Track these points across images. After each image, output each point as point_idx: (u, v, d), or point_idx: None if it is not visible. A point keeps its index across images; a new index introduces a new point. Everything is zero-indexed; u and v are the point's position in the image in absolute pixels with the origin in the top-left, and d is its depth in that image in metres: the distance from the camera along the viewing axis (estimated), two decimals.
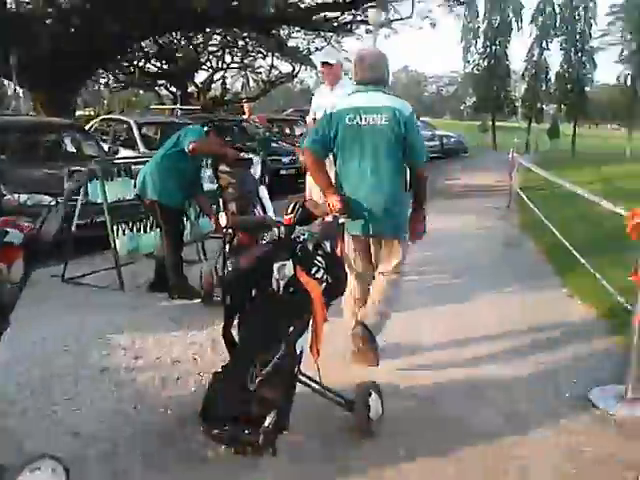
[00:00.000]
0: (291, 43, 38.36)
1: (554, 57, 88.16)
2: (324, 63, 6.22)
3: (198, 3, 26.24)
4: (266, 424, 2.84)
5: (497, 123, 37.61)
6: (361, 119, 4.08)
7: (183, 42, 39.44)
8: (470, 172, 19.48)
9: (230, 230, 5.38)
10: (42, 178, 7.71)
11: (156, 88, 43.16)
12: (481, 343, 4.96)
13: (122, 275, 6.21)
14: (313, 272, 3.20)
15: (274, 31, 32.05)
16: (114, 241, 6.27)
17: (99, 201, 6.28)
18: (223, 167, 5.67)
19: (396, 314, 4.53)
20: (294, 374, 3.07)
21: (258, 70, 50.83)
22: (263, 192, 6.02)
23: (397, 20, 29.95)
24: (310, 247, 3.34)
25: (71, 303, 5.79)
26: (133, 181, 6.28)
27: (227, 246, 5.47)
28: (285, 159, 13.51)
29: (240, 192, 5.62)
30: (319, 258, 3.28)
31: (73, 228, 6.30)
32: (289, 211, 3.42)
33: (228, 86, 51.41)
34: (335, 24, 30.88)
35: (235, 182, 5.62)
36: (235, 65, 48.85)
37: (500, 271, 7.35)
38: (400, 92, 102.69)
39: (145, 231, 6.65)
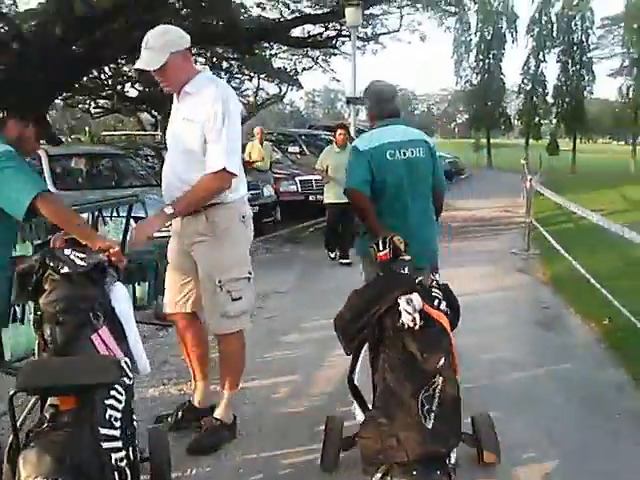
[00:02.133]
0: (278, 64, 36.57)
1: (551, 69, 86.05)
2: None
3: (167, 18, 23.99)
4: (452, 460, 2.79)
5: (492, 140, 34.86)
6: (402, 154, 3.83)
7: None
8: (471, 199, 16.39)
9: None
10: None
11: (138, 113, 40.68)
12: None
13: None
14: (436, 304, 2.97)
15: (257, 51, 29.94)
16: None
17: None
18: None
19: None
20: (460, 401, 2.84)
21: (245, 92, 48.98)
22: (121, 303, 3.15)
23: (384, 34, 27.55)
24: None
25: None
26: None
27: None
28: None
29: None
30: (435, 290, 3.06)
31: None
32: (381, 247, 3.21)
33: None
34: (318, 40, 28.51)
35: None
36: None
37: (539, 391, 4.31)
38: None
39: None
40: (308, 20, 25.78)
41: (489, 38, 30.91)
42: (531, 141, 33.12)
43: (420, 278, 3.11)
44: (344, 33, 29.20)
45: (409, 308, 2.83)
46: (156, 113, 39.23)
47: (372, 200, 3.77)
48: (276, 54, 36.14)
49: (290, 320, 5.99)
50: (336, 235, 8.95)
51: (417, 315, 2.83)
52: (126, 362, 2.76)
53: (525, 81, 32.18)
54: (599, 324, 5.63)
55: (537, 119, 32.92)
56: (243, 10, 26.93)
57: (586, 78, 30.93)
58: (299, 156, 15.96)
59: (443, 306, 3.02)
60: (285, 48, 34.51)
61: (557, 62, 31.38)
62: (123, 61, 34.95)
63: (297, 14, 25.83)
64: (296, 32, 27.02)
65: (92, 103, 40.64)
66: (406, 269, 3.14)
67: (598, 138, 70.12)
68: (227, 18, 24.36)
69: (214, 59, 37.55)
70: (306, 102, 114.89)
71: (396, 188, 3.82)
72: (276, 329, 5.71)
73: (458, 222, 12.60)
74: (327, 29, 27.97)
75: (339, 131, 8.94)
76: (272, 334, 5.56)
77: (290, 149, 16.30)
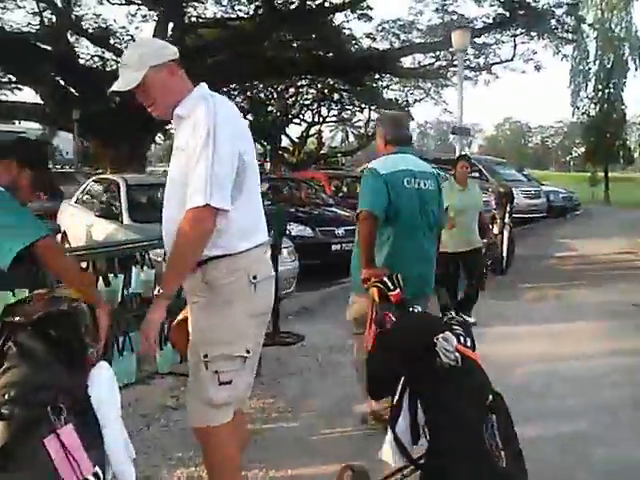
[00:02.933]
0: (389, 95, 36.22)
1: None
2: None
3: (275, 50, 24.06)
4: None
5: (610, 174, 32.49)
6: (416, 183, 3.85)
7: (275, 95, 37.71)
8: (585, 237, 14.87)
9: None
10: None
11: None
12: None
13: None
14: (463, 342, 2.78)
15: (367, 82, 29.59)
16: None
17: None
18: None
19: None
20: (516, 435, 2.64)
21: (357, 124, 48.85)
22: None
23: (497, 63, 26.39)
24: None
25: None
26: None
27: None
28: (339, 230, 9.89)
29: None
30: (456, 326, 2.87)
31: None
32: (390, 286, 3.10)
33: (324, 140, 49.22)
34: (428, 70, 27.74)
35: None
36: (333, 119, 47.08)
37: None
38: (503, 144, 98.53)
39: None
40: (417, 49, 25.10)
41: (609, 66, 28.86)
42: None
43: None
44: (455, 63, 28.33)
45: (449, 347, 2.66)
46: (265, 144, 39.79)
47: (385, 224, 3.80)
48: (388, 86, 35.99)
49: None
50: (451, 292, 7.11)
51: (456, 354, 2.65)
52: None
53: None
54: None
55: None
56: (353, 41, 26.77)
57: None
58: None
59: (469, 342, 2.87)
60: (397, 80, 34.14)
61: None
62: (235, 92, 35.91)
63: (406, 44, 25.22)
64: (407, 63, 26.47)
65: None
66: (419, 308, 3.13)
67: None
68: (337, 48, 24.16)
69: (325, 90, 37.86)
70: (418, 134, 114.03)
71: (410, 215, 3.83)
72: None
73: (571, 265, 11.29)
74: (438, 59, 27.25)
75: (461, 163, 7.11)
76: None
77: None
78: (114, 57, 21.77)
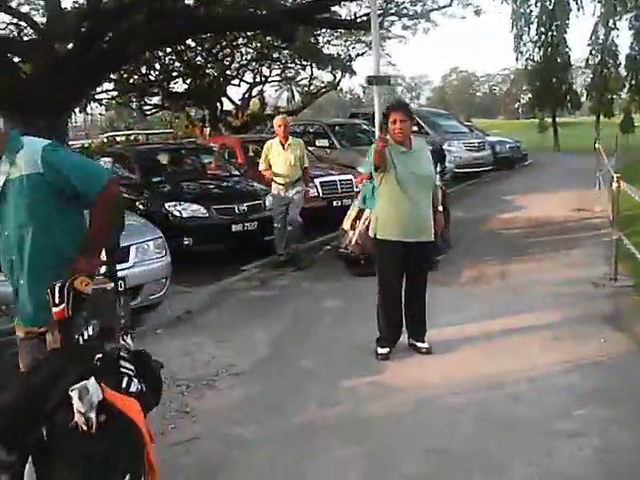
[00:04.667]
0: (331, 51, 34.35)
1: (623, 38, 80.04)
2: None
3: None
4: None
5: (558, 119, 31.05)
6: None
7: (210, 58, 35.40)
8: (534, 193, 13.16)
9: None
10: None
11: (187, 108, 38.95)
12: None
13: None
14: (124, 386, 2.25)
15: (305, 38, 27.65)
16: None
17: None
18: None
19: None
20: None
21: (300, 82, 46.78)
22: None
23: (435, 9, 24.59)
24: (109, 349, 2.34)
25: None
26: None
27: None
28: (240, 207, 8.12)
29: None
30: (124, 363, 2.31)
31: None
32: (57, 299, 2.37)
33: (268, 100, 47.07)
34: (362, 20, 25.85)
35: None
36: (277, 79, 45.02)
37: None
38: (451, 95, 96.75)
39: None
40: None
41: (551, 8, 27.07)
42: (602, 119, 29.21)
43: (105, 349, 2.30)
44: (391, 12, 26.45)
45: (82, 405, 2.05)
46: (204, 108, 37.60)
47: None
48: (329, 41, 34.02)
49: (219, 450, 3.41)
50: None
51: (93, 414, 2.07)
52: None
53: (593, 53, 28.23)
54: None
55: (608, 94, 28.94)
56: None
57: None
58: (328, 151, 13.27)
59: (135, 386, 2.29)
60: (337, 34, 32.24)
61: (629, 29, 27.30)
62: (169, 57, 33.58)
63: None
64: (343, 15, 24.55)
65: (143, 101, 39.66)
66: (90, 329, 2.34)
67: None
68: (265, 2, 22.19)
69: (263, 49, 35.70)
70: (365, 89, 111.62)
71: None
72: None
73: (517, 229, 9.71)
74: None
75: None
76: None
77: (318, 143, 13.60)
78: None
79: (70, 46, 20.29)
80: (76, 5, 21.73)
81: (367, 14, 25.61)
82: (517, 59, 29.71)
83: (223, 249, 7.99)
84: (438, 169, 8.41)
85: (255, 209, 8.04)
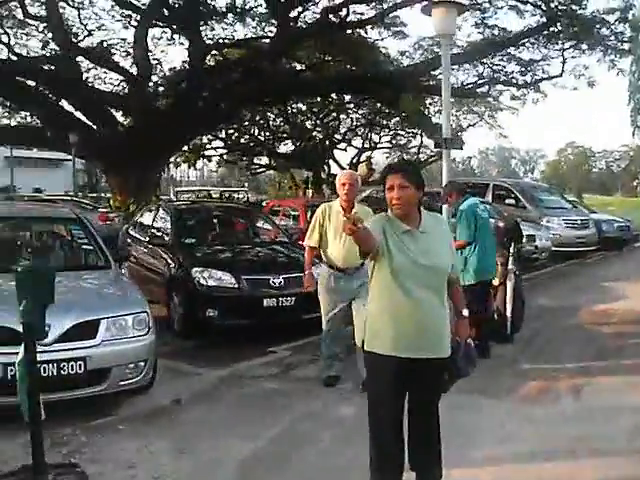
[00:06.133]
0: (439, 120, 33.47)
1: None
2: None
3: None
4: None
5: None
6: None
7: (317, 121, 35.43)
8: (638, 280, 11.39)
9: None
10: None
11: (292, 170, 39.11)
12: None
13: None
14: None
15: (411, 104, 26.97)
16: None
17: None
18: None
19: None
20: None
21: (411, 150, 46.10)
22: None
23: (545, 79, 23.10)
24: None
25: None
26: None
27: None
28: (276, 279, 6.96)
29: None
30: None
31: None
32: None
33: (374, 166, 46.63)
34: (466, 89, 24.93)
35: None
36: (387, 145, 44.70)
37: None
38: (567, 169, 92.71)
39: None
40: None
41: None
42: None
43: None
44: (500, 80, 25.30)
45: None
46: (309, 170, 37.50)
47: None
48: (440, 110, 33.26)
49: None
50: None
51: None
52: None
53: None
54: None
55: None
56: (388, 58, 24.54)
57: None
58: None
59: None
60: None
61: None
62: (275, 118, 33.82)
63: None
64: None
65: (251, 160, 40.43)
66: None
67: None
68: (371, 66, 21.77)
69: (372, 116, 35.44)
70: (479, 160, 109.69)
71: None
72: None
73: (612, 324, 8.01)
74: (481, 77, 24.58)
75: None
76: None
77: None
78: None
79: (166, 102, 20.44)
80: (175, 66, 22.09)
81: (475, 82, 24.67)
82: (634, 134, 27.56)
83: (253, 325, 6.89)
84: (512, 250, 7.02)
85: (294, 282, 6.86)
